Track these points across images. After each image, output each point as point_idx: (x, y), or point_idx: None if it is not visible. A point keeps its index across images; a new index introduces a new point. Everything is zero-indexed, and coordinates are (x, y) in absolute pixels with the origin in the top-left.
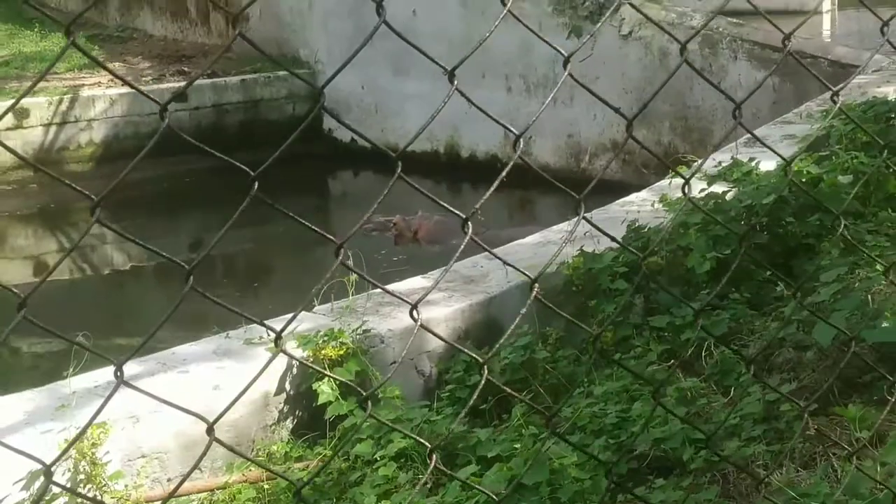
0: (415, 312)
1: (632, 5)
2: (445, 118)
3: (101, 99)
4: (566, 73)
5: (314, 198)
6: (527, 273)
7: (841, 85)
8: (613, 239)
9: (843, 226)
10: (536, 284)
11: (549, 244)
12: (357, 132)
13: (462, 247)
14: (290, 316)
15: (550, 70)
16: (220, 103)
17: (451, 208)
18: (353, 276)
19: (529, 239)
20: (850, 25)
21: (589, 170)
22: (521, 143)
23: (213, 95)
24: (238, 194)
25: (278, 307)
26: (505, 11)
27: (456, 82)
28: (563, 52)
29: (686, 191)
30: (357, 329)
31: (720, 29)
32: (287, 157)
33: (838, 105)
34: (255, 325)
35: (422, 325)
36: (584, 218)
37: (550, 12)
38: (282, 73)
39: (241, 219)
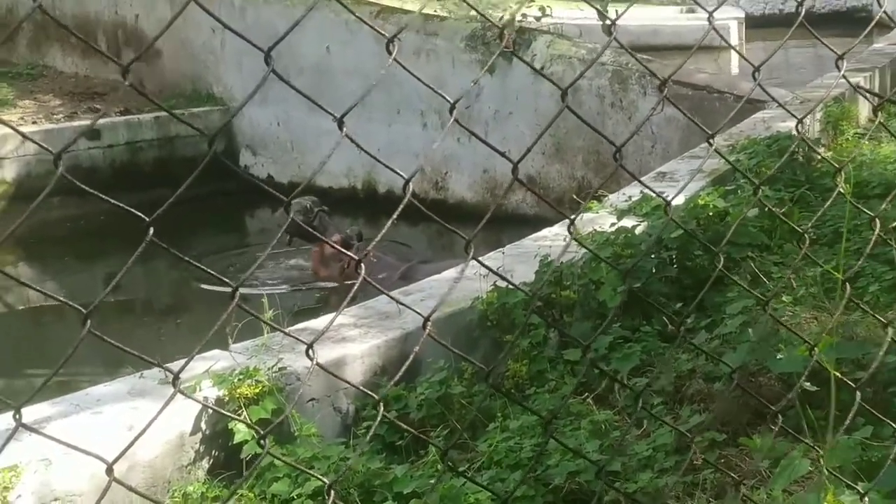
0: (310, 352)
1: (515, 55)
2: (363, 155)
3: (13, 137)
4: (452, 120)
5: (232, 235)
6: (418, 311)
7: (717, 128)
8: (504, 279)
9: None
10: (429, 322)
11: (465, 279)
12: (249, 175)
13: (355, 288)
14: (196, 355)
15: (464, 105)
16: (133, 140)
17: (343, 250)
18: (268, 315)
19: (445, 274)
20: (758, 61)
21: (504, 204)
22: (410, 187)
23: (127, 133)
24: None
25: (198, 345)
26: (391, 60)
27: (345, 130)
28: (448, 98)
29: (571, 230)
30: (273, 367)
31: (629, 65)
32: (203, 195)
33: (713, 148)
34: (170, 364)
35: (318, 364)
36: (476, 259)
37: (463, 48)
38: (196, 109)
39: (165, 255)
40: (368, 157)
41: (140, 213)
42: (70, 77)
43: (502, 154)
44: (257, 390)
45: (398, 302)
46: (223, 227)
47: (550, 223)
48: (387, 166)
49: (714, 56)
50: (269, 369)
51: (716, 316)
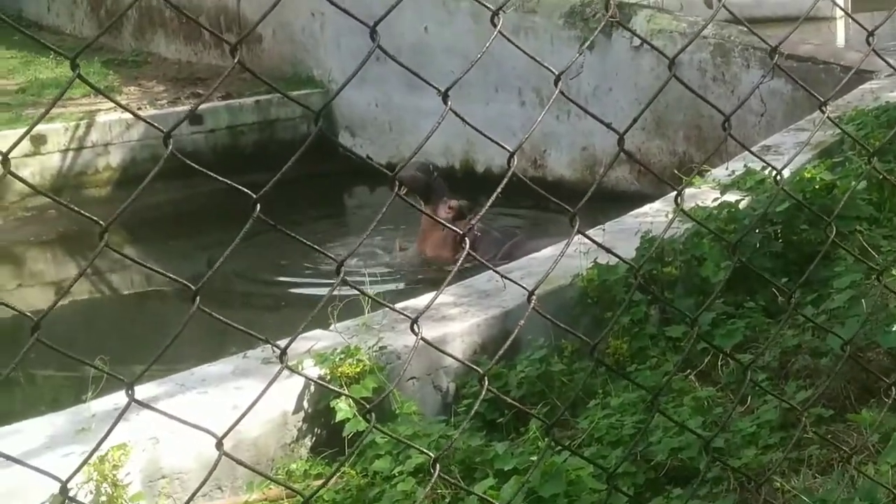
0: (415, 326)
1: (622, 24)
2: (461, 134)
3: (118, 123)
4: (557, 91)
5: (331, 215)
6: (523, 285)
7: (829, 95)
8: (610, 252)
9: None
10: (534, 296)
11: (565, 257)
12: (350, 151)
13: (459, 263)
14: (298, 333)
15: (563, 82)
16: (235, 125)
17: (449, 225)
18: (367, 298)
19: (544, 252)
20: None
21: (604, 182)
22: (515, 160)
23: (229, 117)
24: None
25: (303, 322)
26: (496, 32)
27: (450, 103)
28: (553, 70)
29: (679, 201)
30: (373, 346)
31: (732, 38)
32: (303, 176)
33: (826, 115)
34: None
35: (422, 339)
36: (581, 232)
37: (562, 25)
38: (296, 92)
39: (268, 238)
40: (466, 136)
41: (247, 190)
42: (174, 63)
43: (608, 125)
44: (358, 369)
45: (502, 276)
46: (321, 209)
47: (650, 199)
48: (491, 139)
49: (819, 27)
50: (369, 348)
51: (822, 291)
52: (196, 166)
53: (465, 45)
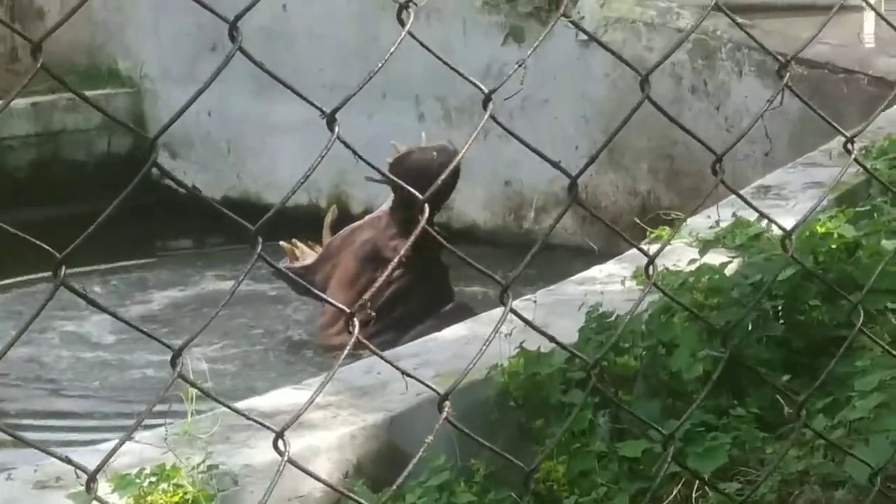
0: (280, 443)
1: (576, 25)
2: (330, 162)
3: None
4: (486, 116)
5: (146, 270)
6: (434, 388)
7: (858, 129)
8: (553, 340)
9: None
10: (447, 402)
11: (478, 340)
12: (200, 194)
13: (346, 351)
14: (110, 447)
15: (478, 91)
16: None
17: (335, 302)
18: (193, 391)
19: (450, 332)
20: None
21: (534, 231)
22: (427, 207)
23: None
24: (36, 269)
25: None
26: (404, 34)
27: (338, 129)
28: (483, 88)
29: (651, 271)
30: (199, 465)
31: (718, 32)
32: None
33: (853, 156)
34: (54, 460)
35: (290, 461)
36: (513, 311)
37: (479, 8)
38: (94, 91)
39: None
40: (338, 163)
41: (49, 248)
42: None
43: (555, 164)
44: (176, 499)
45: (403, 372)
46: (137, 257)
47: (598, 257)
48: (404, 186)
49: (841, 21)
50: (193, 468)
51: (839, 394)
52: None
53: (338, 30)
